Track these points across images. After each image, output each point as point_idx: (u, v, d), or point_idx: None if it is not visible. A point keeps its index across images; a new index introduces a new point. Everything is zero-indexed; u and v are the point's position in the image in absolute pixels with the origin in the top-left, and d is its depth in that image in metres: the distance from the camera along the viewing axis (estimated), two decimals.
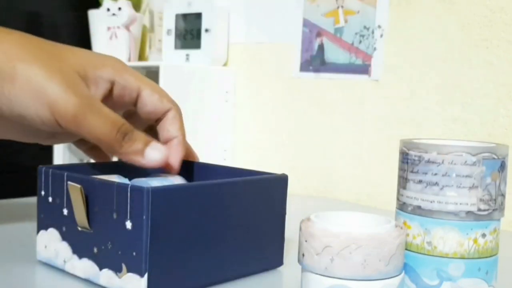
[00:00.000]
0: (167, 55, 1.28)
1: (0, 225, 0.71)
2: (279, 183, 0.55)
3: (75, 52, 0.51)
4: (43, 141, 0.55)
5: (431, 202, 0.43)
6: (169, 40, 1.27)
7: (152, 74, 1.16)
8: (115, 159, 0.60)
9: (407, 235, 0.44)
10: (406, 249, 0.44)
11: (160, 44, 1.35)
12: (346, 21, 1.06)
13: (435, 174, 0.43)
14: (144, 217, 0.45)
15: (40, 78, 0.46)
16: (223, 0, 1.24)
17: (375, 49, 1.01)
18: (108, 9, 1.32)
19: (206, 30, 1.21)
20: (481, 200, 0.43)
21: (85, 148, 0.60)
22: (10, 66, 0.46)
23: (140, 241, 0.45)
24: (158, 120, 0.56)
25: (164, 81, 1.17)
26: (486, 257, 0.44)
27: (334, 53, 1.07)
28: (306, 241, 0.41)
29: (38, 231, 0.55)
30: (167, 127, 0.55)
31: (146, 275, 0.45)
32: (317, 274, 0.41)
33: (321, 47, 1.09)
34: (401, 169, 0.46)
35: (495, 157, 0.43)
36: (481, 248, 0.43)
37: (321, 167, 1.11)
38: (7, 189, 1.39)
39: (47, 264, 0.55)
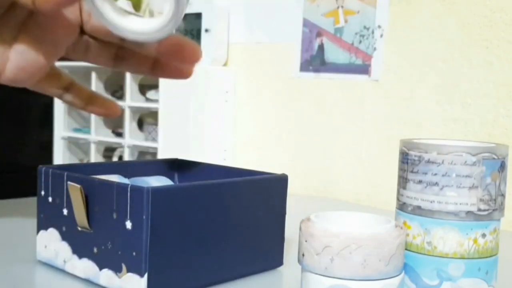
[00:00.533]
0: None
1: (0, 225, 0.71)
2: (279, 183, 0.55)
3: None
4: None
5: (431, 202, 0.43)
6: None
7: None
8: (115, 159, 0.60)
9: (407, 235, 0.44)
10: (406, 249, 0.44)
11: None
12: (346, 21, 1.06)
13: (435, 174, 0.43)
14: (144, 217, 0.45)
15: None
16: (223, 0, 1.24)
17: (375, 49, 1.01)
18: None
19: (206, 30, 1.21)
20: (481, 200, 0.43)
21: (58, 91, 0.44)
22: None
23: (140, 241, 0.45)
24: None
25: (164, 81, 1.17)
26: (486, 257, 0.44)
27: (334, 53, 1.07)
28: (306, 241, 0.41)
29: (38, 231, 0.55)
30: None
31: (146, 275, 0.45)
32: (317, 274, 0.41)
33: (321, 47, 1.09)
34: (401, 169, 0.46)
35: (495, 157, 0.43)
36: (481, 248, 0.43)
37: (321, 167, 1.11)
38: (7, 189, 1.39)
39: (47, 264, 0.55)
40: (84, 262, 0.50)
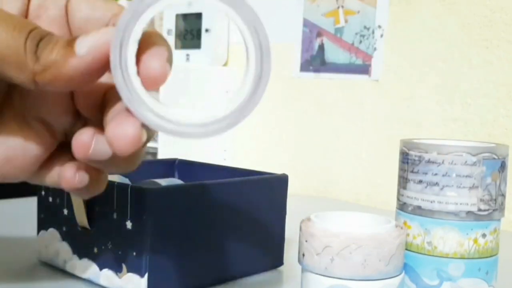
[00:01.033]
0: None
1: (0, 225, 0.71)
2: (279, 183, 0.55)
3: None
4: None
5: (431, 202, 0.43)
6: (169, 40, 1.27)
7: None
8: None
9: (407, 235, 0.44)
10: (406, 249, 0.44)
11: None
12: (346, 21, 1.05)
13: (435, 174, 0.43)
14: (144, 217, 0.45)
15: None
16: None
17: (375, 49, 1.01)
18: None
19: (206, 30, 1.21)
20: (481, 200, 0.43)
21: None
22: None
23: (140, 241, 0.45)
24: None
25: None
26: (486, 257, 0.44)
27: (334, 53, 1.07)
28: (306, 241, 0.41)
29: (38, 231, 0.55)
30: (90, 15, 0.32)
31: (146, 275, 0.45)
32: (317, 274, 0.41)
33: (321, 47, 1.09)
34: (401, 169, 0.46)
35: (495, 157, 0.43)
36: (481, 248, 0.43)
37: (321, 167, 1.11)
38: (7, 189, 1.39)
39: (47, 264, 0.55)
40: (85, 262, 0.50)
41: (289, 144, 1.16)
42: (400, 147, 0.46)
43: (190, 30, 1.24)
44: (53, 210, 0.53)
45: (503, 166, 0.44)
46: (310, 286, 0.42)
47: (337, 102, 1.08)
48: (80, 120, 0.33)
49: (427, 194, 0.43)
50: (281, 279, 0.55)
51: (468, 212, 0.43)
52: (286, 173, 0.56)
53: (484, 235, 0.43)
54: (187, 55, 1.24)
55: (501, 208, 0.44)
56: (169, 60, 0.29)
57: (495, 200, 0.43)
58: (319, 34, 1.09)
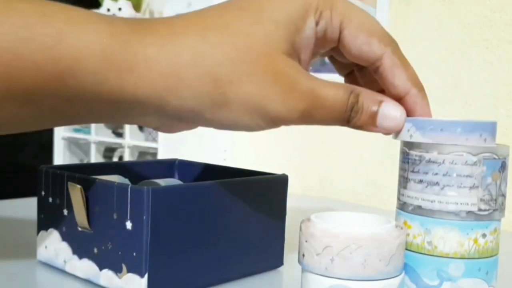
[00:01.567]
0: None
1: (0, 225, 0.71)
2: (279, 183, 0.55)
3: (270, 13, 0.39)
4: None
5: (431, 202, 0.43)
6: None
7: None
8: (115, 159, 0.60)
9: (408, 235, 0.44)
10: (406, 249, 0.44)
11: None
12: None
13: (436, 174, 0.43)
14: (144, 217, 0.45)
15: (254, 99, 0.39)
16: (223, 0, 1.24)
17: None
18: (108, 9, 1.32)
19: None
20: (481, 200, 0.43)
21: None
22: (219, 92, 0.38)
23: (140, 241, 0.45)
24: (372, 67, 0.43)
25: None
26: (487, 257, 0.44)
27: None
28: (306, 241, 0.41)
29: (38, 232, 0.55)
30: (390, 81, 0.43)
31: (146, 275, 0.45)
32: (317, 274, 0.41)
33: None
34: (401, 169, 0.46)
35: (496, 157, 0.43)
36: (482, 248, 0.43)
37: (321, 167, 1.11)
38: (7, 189, 1.39)
39: (47, 264, 0.55)
40: (84, 263, 0.50)
41: (289, 144, 1.16)
42: (400, 147, 0.46)
43: None
44: (53, 210, 0.53)
45: (503, 166, 0.44)
46: (310, 287, 0.42)
47: None
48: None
49: (428, 193, 0.43)
50: (281, 280, 0.55)
51: (469, 212, 0.43)
52: (286, 173, 0.56)
53: (484, 235, 0.43)
54: None
55: (502, 208, 0.44)
56: None
57: (496, 200, 0.43)
58: None
